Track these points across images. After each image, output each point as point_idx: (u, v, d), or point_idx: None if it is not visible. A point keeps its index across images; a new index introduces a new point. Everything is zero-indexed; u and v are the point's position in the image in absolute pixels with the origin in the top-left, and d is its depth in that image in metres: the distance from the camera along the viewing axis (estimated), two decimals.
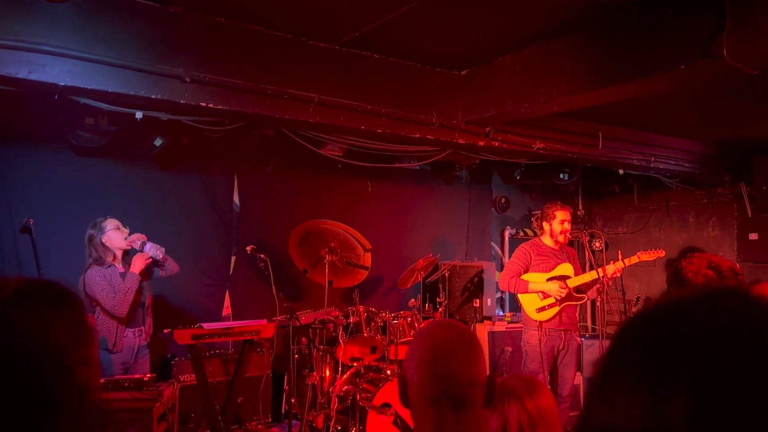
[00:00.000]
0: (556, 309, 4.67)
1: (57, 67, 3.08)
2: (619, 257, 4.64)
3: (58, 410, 0.62)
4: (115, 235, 3.98)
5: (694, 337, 0.53)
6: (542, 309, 4.70)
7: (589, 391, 0.60)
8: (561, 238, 4.81)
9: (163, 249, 4.00)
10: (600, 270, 4.60)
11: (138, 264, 3.96)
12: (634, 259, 4.69)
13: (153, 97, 3.36)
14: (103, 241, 3.95)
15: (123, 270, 4.01)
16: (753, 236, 6.45)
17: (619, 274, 4.65)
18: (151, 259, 4.00)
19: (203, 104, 3.51)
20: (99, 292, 3.81)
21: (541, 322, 4.68)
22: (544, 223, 4.88)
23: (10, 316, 0.72)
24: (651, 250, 4.72)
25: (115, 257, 4.02)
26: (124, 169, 5.01)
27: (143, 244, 3.96)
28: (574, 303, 4.74)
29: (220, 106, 3.57)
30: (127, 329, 3.97)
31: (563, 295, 4.65)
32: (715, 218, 6.95)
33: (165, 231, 5.11)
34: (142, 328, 4.06)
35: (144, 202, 5.04)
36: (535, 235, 7.15)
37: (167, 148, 4.74)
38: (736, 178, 6.53)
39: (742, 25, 2.86)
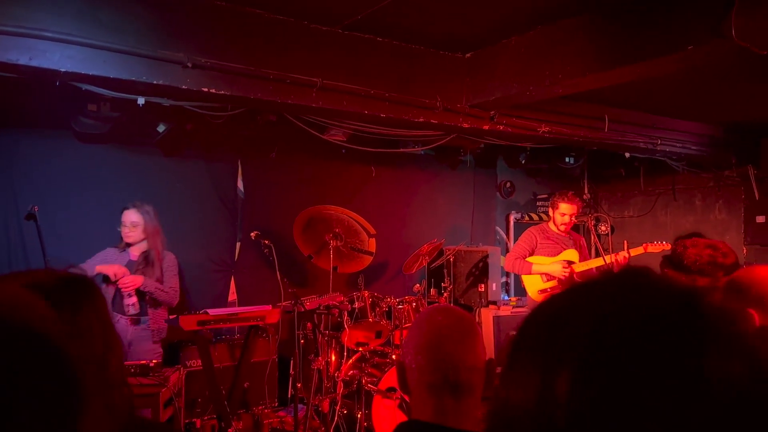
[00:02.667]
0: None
1: (58, 53, 3.06)
2: (625, 247, 4.66)
3: (99, 388, 0.63)
4: (122, 230, 4.08)
5: (582, 318, 0.55)
6: (544, 291, 4.80)
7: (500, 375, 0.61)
8: (562, 228, 4.92)
9: (131, 307, 3.95)
10: (605, 258, 4.64)
11: (110, 269, 3.93)
12: (639, 250, 4.75)
13: (155, 82, 3.34)
14: (119, 229, 4.10)
15: (135, 258, 4.09)
16: (760, 219, 6.41)
17: (624, 263, 4.63)
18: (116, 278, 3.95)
19: (205, 90, 3.49)
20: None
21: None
22: (550, 210, 5.02)
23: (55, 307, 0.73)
24: (658, 242, 4.76)
25: (128, 245, 4.10)
26: (128, 155, 5.00)
27: (124, 292, 3.92)
28: None
29: (222, 92, 3.55)
30: (118, 315, 4.00)
31: (566, 275, 4.73)
32: (722, 201, 6.89)
33: (170, 217, 5.11)
34: (139, 318, 4.03)
35: (148, 189, 5.03)
36: (541, 219, 7.29)
37: (170, 134, 4.72)
38: (743, 160, 6.47)
39: (751, 3, 2.80)
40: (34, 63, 3.00)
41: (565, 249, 4.91)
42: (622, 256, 4.61)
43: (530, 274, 4.91)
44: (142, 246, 4.10)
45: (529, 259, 4.93)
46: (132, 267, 4.03)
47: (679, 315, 0.53)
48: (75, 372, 0.63)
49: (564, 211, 4.88)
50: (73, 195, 4.70)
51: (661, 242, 4.77)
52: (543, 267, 4.86)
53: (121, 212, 4.10)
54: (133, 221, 4.04)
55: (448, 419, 1.28)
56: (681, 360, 0.50)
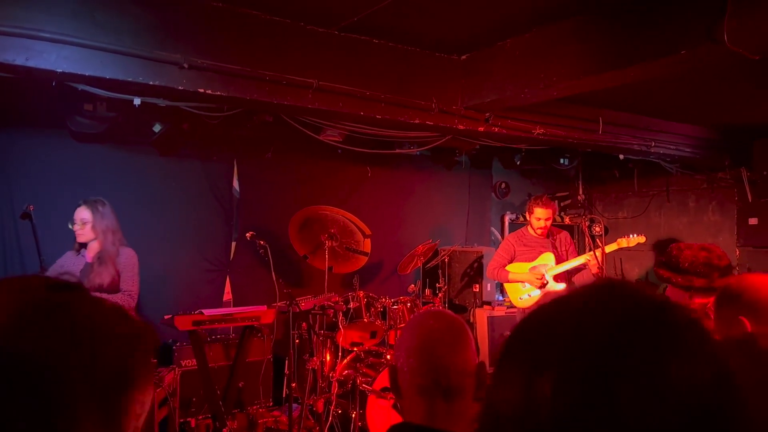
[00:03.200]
0: (536, 297, 4.95)
1: (54, 54, 3.06)
2: (600, 244, 4.77)
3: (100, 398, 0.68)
4: (74, 228, 3.82)
5: (564, 325, 0.61)
6: (523, 297, 4.98)
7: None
8: (539, 232, 5.05)
9: None
10: (581, 258, 4.87)
11: None
12: (614, 246, 4.89)
13: (151, 83, 3.34)
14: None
15: (91, 260, 3.83)
16: (753, 221, 6.45)
17: (599, 260, 4.70)
18: None
19: (201, 90, 3.50)
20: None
21: (523, 309, 5.01)
22: (527, 214, 5.16)
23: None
24: (632, 235, 4.87)
25: (83, 246, 3.86)
26: (124, 154, 5.01)
27: None
28: (553, 291, 4.89)
29: (219, 92, 3.56)
30: None
31: (538, 284, 4.91)
32: (715, 203, 6.93)
33: (165, 217, 5.14)
34: None
35: (144, 188, 5.04)
36: None
37: (166, 133, 4.73)
38: (736, 162, 6.51)
39: (743, 8, 2.83)
40: (31, 63, 3.01)
41: (542, 253, 5.05)
42: (597, 254, 4.70)
43: (508, 282, 5.08)
44: (96, 246, 3.83)
45: (508, 267, 5.08)
46: (87, 270, 3.79)
47: (651, 323, 0.58)
48: (63, 388, 0.64)
49: (539, 216, 4.97)
50: (69, 194, 4.68)
51: (636, 236, 4.88)
52: (518, 276, 5.01)
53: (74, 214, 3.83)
54: (82, 218, 3.77)
55: (439, 422, 1.30)
56: (651, 364, 0.55)
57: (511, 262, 5.09)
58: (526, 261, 5.05)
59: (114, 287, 3.77)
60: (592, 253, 4.70)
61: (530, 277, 4.94)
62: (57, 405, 0.63)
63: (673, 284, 2.29)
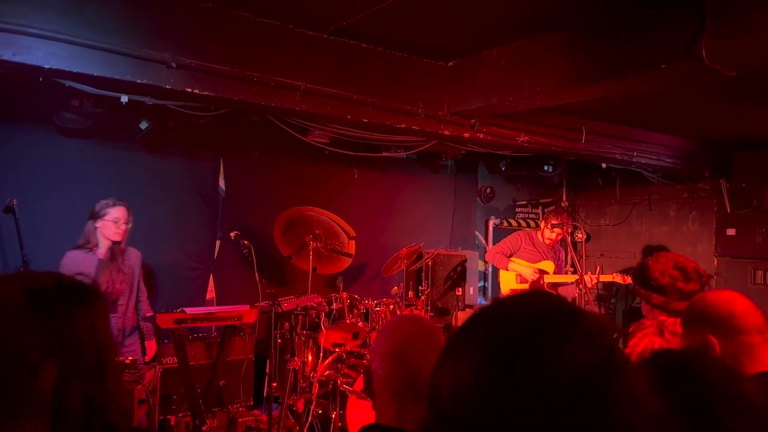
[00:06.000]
0: None
1: (42, 50, 3.06)
2: (597, 271, 5.16)
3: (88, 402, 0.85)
4: (108, 227, 3.83)
5: (481, 325, 0.78)
6: (514, 291, 5.16)
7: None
8: (547, 242, 5.49)
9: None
10: (576, 275, 5.04)
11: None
12: (608, 278, 5.35)
13: (138, 81, 3.35)
14: (97, 226, 3.84)
15: (103, 256, 3.85)
16: (731, 232, 6.58)
17: (592, 285, 5.10)
18: None
19: (189, 90, 3.51)
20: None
21: None
22: (542, 222, 5.60)
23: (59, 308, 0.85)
24: (625, 276, 5.27)
25: (98, 244, 3.86)
26: (110, 150, 4.99)
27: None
28: None
29: (206, 92, 3.57)
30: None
31: (534, 278, 5.29)
32: (695, 213, 7.07)
33: (150, 214, 5.12)
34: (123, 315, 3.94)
35: (129, 185, 5.02)
36: (519, 225, 7.51)
37: (153, 131, 4.71)
38: (716, 173, 6.64)
39: (722, 26, 2.91)
40: (18, 59, 3.00)
41: (543, 259, 5.44)
42: (593, 278, 5.05)
43: (506, 270, 5.48)
44: (116, 246, 3.88)
45: (511, 258, 5.50)
46: (101, 265, 3.80)
47: (550, 321, 0.74)
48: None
49: (553, 229, 5.38)
50: (53, 189, 4.67)
51: (628, 276, 5.26)
52: (517, 267, 5.44)
53: (104, 207, 3.83)
54: (126, 219, 3.85)
55: (409, 424, 1.34)
56: (545, 350, 0.70)
57: (511, 255, 5.51)
58: (526, 260, 5.45)
59: (129, 287, 3.96)
60: (579, 275, 4.96)
61: (528, 272, 5.33)
62: None
63: (638, 294, 2.33)
